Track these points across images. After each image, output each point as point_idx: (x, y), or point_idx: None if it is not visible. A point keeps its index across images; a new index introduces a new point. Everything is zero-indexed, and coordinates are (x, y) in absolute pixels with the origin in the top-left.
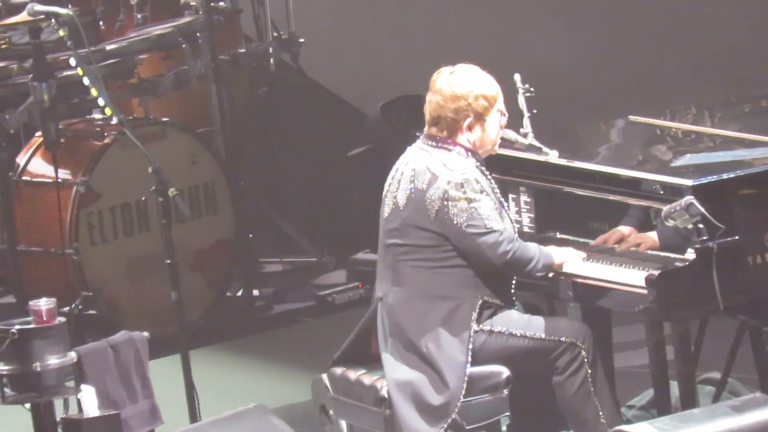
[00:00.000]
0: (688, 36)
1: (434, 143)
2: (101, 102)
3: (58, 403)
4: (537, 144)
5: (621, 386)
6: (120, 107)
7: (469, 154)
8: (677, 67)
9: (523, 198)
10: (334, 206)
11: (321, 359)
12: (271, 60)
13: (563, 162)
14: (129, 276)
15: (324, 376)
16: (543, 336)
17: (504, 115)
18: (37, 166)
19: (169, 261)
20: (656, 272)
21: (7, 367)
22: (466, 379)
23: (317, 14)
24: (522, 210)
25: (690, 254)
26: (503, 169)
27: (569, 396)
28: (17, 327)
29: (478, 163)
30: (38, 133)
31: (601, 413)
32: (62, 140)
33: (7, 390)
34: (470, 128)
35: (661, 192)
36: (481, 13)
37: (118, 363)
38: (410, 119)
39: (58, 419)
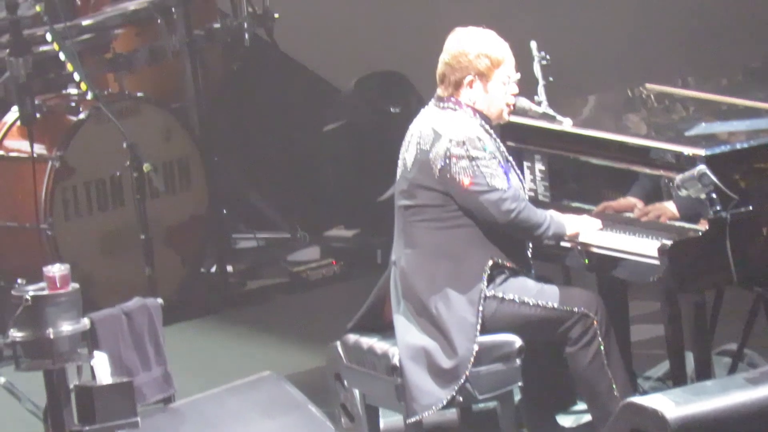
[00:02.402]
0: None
1: (442, 103)
2: (77, 77)
3: (71, 370)
4: (551, 112)
5: (640, 357)
6: (95, 82)
7: (477, 115)
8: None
9: (538, 166)
10: (308, 182)
11: (294, 335)
12: (246, 35)
13: (577, 130)
14: (103, 251)
15: (338, 343)
16: (555, 305)
17: (513, 81)
18: (13, 141)
19: (143, 236)
20: (669, 242)
21: (20, 334)
22: (476, 341)
23: None
24: (537, 178)
25: (704, 224)
26: (518, 137)
27: (582, 367)
28: (30, 293)
29: (483, 122)
30: (14, 108)
31: (614, 385)
32: (38, 115)
33: (20, 357)
34: (471, 85)
35: (675, 161)
36: None
37: (131, 330)
38: (385, 95)
39: (71, 386)
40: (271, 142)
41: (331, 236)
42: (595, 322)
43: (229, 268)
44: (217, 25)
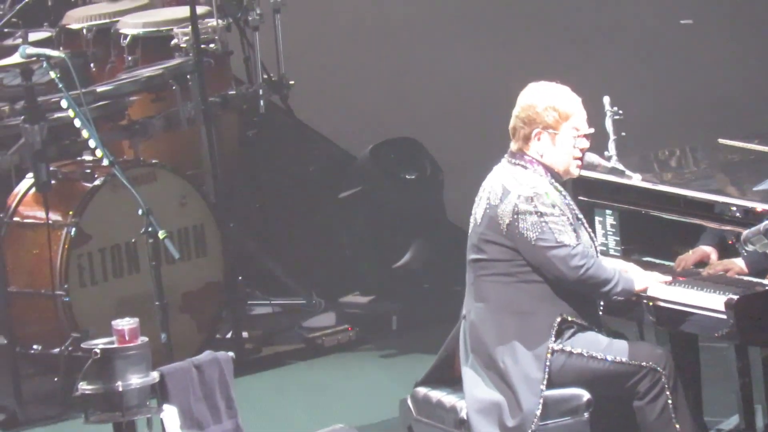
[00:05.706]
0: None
1: (513, 159)
2: (92, 144)
3: (140, 423)
4: (620, 167)
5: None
6: (110, 149)
7: (548, 173)
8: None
9: (609, 221)
10: (323, 248)
11: (311, 402)
12: (261, 102)
13: (647, 185)
14: (118, 317)
15: (408, 397)
16: (624, 360)
17: (582, 135)
18: (28, 208)
19: (158, 303)
20: (735, 296)
21: (89, 387)
22: (542, 397)
23: (307, 56)
24: (608, 233)
25: None
26: (589, 192)
27: (650, 421)
28: (100, 347)
29: (553, 180)
30: (29, 175)
31: None
32: (53, 182)
33: (89, 410)
34: (538, 138)
35: (742, 216)
36: (470, 53)
37: (202, 383)
38: (400, 162)
39: None
40: (287, 208)
41: (347, 302)
42: (663, 377)
43: (245, 334)
44: (232, 92)
